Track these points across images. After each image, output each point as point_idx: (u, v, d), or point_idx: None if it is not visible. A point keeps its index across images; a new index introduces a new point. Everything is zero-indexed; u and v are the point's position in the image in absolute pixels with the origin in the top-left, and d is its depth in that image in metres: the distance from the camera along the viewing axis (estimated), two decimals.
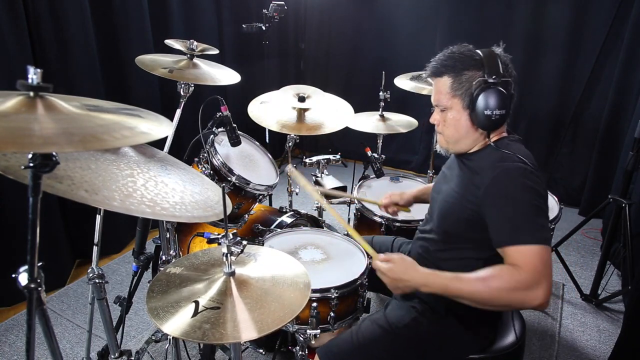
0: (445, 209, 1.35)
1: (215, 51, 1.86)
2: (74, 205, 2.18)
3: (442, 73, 1.28)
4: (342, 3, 4.19)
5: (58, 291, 2.47)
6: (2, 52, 2.07)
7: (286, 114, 2.20)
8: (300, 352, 1.48)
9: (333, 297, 1.42)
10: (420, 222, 1.56)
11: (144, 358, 1.85)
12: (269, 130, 2.55)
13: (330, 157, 2.23)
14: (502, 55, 1.26)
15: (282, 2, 3.19)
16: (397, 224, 1.99)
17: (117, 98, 1.38)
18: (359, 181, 2.41)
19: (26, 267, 0.76)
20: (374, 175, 2.33)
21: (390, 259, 1.24)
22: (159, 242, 1.61)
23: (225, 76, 1.81)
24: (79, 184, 0.79)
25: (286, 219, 2.06)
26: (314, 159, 2.21)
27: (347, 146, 3.50)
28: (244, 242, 1.02)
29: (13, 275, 0.80)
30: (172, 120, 1.56)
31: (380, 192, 2.30)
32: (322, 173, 2.21)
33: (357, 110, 2.43)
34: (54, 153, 0.70)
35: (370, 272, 1.45)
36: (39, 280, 0.77)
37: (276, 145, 3.89)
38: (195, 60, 1.79)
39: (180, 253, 1.87)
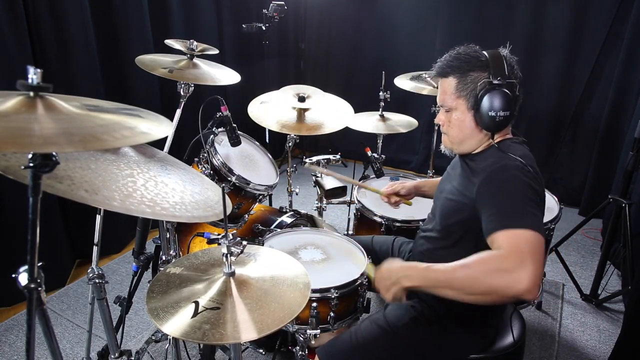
0: (446, 208, 1.36)
1: (215, 51, 1.86)
2: (74, 205, 2.18)
3: (448, 73, 1.29)
4: (342, 3, 4.19)
5: (58, 291, 2.47)
6: (2, 52, 2.07)
7: (286, 114, 2.20)
8: (300, 352, 1.48)
9: (333, 297, 1.42)
10: (421, 222, 1.56)
11: (144, 358, 1.85)
12: (269, 130, 2.54)
13: (330, 157, 2.23)
14: (508, 56, 1.26)
15: (282, 2, 3.19)
16: (397, 224, 2.00)
17: (117, 98, 1.38)
18: (359, 181, 2.40)
19: (26, 267, 0.76)
20: (374, 175, 2.33)
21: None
22: (159, 242, 1.60)
23: (225, 76, 1.81)
24: (79, 184, 0.79)
25: (286, 219, 2.06)
26: (314, 159, 2.21)
27: (347, 146, 3.50)
28: (244, 242, 1.02)
29: (13, 275, 0.80)
30: (172, 120, 1.56)
31: None
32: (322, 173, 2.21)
33: (357, 110, 2.43)
34: (54, 153, 0.70)
35: None
36: (39, 280, 0.77)
37: (276, 145, 3.89)
38: (195, 60, 1.78)
39: (180, 253, 1.87)
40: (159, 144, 1.03)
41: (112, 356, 1.48)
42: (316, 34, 4.45)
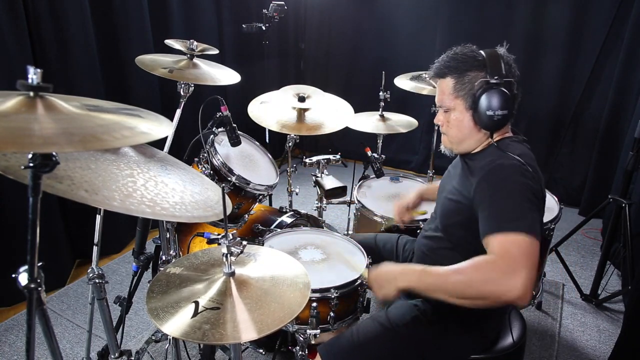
0: (446, 207, 1.36)
1: (215, 51, 1.86)
2: (74, 205, 2.18)
3: (445, 74, 1.29)
4: (342, 3, 4.19)
5: (58, 291, 2.47)
6: (2, 52, 2.07)
7: (286, 114, 2.20)
8: (300, 352, 1.48)
9: (333, 297, 1.42)
10: (422, 222, 1.56)
11: (144, 358, 1.85)
12: (269, 130, 2.54)
13: (330, 157, 2.23)
14: (505, 55, 1.26)
15: (282, 2, 3.19)
16: (398, 224, 1.99)
17: (117, 98, 1.38)
18: (359, 181, 2.40)
19: (26, 267, 0.76)
20: (374, 175, 2.33)
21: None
22: (159, 242, 1.60)
23: (225, 76, 1.81)
24: (79, 184, 0.79)
25: (286, 219, 2.06)
26: (314, 159, 2.21)
27: (347, 146, 3.51)
28: (244, 242, 1.02)
29: (13, 275, 0.80)
30: (172, 120, 1.56)
31: (380, 192, 2.31)
32: (322, 173, 2.21)
33: (357, 110, 2.43)
34: (54, 153, 0.70)
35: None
36: (39, 280, 0.77)
37: (276, 145, 3.89)
38: (195, 60, 1.78)
39: (180, 253, 1.87)
40: (159, 144, 1.03)
41: (112, 356, 1.48)
42: (316, 34, 4.45)
